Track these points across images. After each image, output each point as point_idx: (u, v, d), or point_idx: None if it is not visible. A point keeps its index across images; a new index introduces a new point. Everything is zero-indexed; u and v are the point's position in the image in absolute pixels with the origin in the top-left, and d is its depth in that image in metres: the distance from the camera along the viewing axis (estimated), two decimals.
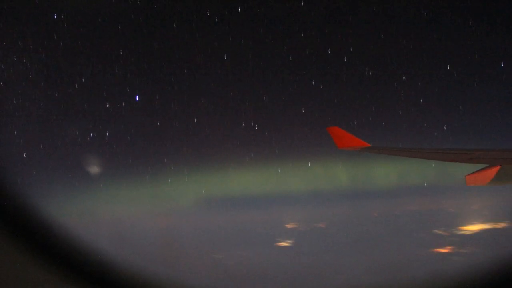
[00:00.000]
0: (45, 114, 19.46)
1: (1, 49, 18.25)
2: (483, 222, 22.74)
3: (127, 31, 20.15)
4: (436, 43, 20.69)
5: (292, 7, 19.82)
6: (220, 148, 22.58)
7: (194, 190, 23.67)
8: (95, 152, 20.47)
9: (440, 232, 22.44)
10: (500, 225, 22.60)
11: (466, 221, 22.91)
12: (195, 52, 21.10)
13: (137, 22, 19.88)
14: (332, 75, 21.69)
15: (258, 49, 21.18)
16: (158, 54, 21.14)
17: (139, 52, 20.92)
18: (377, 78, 20.81)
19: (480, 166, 8.42)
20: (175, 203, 23.55)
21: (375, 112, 21.38)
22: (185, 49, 21.26)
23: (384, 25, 20.20)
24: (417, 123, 21.35)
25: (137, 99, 21.12)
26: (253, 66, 21.45)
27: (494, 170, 8.00)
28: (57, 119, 19.53)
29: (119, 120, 21.58)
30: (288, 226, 23.50)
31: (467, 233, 22.25)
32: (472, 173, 8.36)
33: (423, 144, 21.20)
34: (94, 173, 19.66)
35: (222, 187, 23.72)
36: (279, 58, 21.45)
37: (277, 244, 21.30)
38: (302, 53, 21.30)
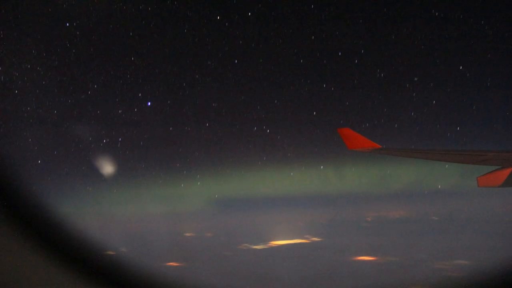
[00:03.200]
0: (58, 120, 19.73)
1: (15, 57, 18.57)
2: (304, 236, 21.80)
3: (138, 37, 20.35)
4: (448, 43, 20.50)
5: (302, 10, 19.84)
6: (232, 152, 22.63)
7: (207, 194, 23.75)
8: (108, 158, 20.66)
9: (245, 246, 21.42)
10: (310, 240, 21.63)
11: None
12: (206, 56, 21.23)
13: (148, 28, 20.07)
14: (343, 77, 21.61)
15: (268, 52, 21.24)
16: (169, 59, 21.32)
17: (150, 58, 21.12)
18: (388, 79, 20.67)
19: (492, 167, 8.32)
20: (188, 207, 23.66)
21: (387, 114, 21.23)
22: (196, 54, 21.42)
23: (395, 26, 20.09)
24: (429, 124, 21.16)
25: (149, 104, 21.28)
26: (264, 70, 21.50)
27: (507, 172, 7.90)
28: (70, 125, 19.78)
29: (131, 126, 21.78)
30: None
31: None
32: (484, 174, 8.26)
33: (435, 146, 21.00)
34: (107, 178, 19.84)
35: (234, 191, 23.77)
36: (290, 61, 21.46)
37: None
38: (313, 55, 21.28)
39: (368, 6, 19.97)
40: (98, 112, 21.29)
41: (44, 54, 19.69)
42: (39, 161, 20.11)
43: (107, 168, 20.13)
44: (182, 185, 23.52)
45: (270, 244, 21.14)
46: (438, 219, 23.45)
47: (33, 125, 19.57)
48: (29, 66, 19.19)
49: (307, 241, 21.65)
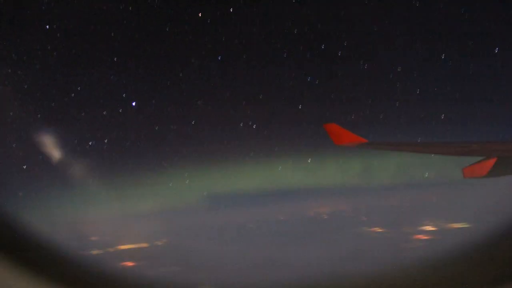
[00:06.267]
0: (42, 125, 19.50)
1: None
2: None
3: (120, 37, 20.13)
4: (430, 33, 20.66)
5: (283, 5, 19.82)
6: (219, 149, 22.60)
7: (195, 192, 23.73)
8: (94, 160, 20.53)
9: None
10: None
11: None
12: (189, 54, 21.07)
13: (129, 28, 19.85)
14: (327, 70, 21.67)
15: (252, 48, 21.14)
16: (152, 58, 21.13)
17: (133, 57, 20.92)
18: (372, 70, 20.79)
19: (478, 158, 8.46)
20: (177, 206, 23.63)
21: (372, 105, 21.35)
22: (179, 52, 21.23)
23: (376, 17, 20.17)
24: (413, 113, 21.34)
25: (134, 104, 21.12)
26: (248, 66, 21.42)
27: (491, 162, 8.03)
28: (55, 129, 19.56)
29: (117, 127, 21.60)
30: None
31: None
32: (470, 165, 8.39)
33: (422, 135, 21.18)
34: (94, 181, 19.71)
35: (223, 187, 23.79)
36: (273, 56, 21.43)
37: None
38: (296, 50, 21.27)
39: None
40: (83, 114, 21.05)
41: (25, 58, 19.38)
42: (25, 166, 19.86)
43: (94, 170, 20.01)
44: (170, 184, 23.42)
45: (110, 249, 20.10)
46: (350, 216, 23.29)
47: (16, 131, 19.32)
48: (9, 71, 18.90)
49: (146, 246, 20.77)
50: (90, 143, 20.76)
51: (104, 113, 21.10)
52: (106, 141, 21.31)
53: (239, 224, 22.81)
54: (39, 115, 19.93)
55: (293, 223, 22.21)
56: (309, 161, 22.41)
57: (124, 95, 20.94)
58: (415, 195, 22.15)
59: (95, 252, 19.62)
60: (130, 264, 18.25)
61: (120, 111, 21.17)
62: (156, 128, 22.08)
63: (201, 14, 19.28)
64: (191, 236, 21.62)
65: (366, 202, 22.60)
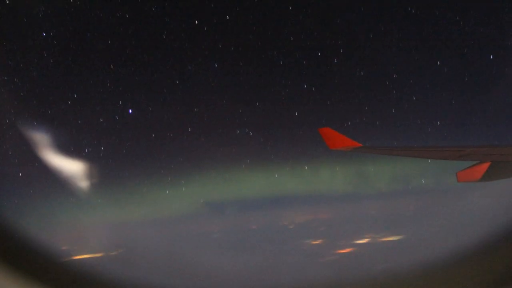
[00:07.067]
0: (38, 132, 19.45)
1: None
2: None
3: (116, 44, 20.18)
4: (425, 39, 20.76)
5: (280, 11, 19.91)
6: (215, 156, 22.57)
7: (192, 199, 23.66)
8: (91, 167, 20.42)
9: None
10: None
11: None
12: (186, 61, 21.12)
13: (126, 35, 19.91)
14: (323, 77, 21.71)
15: (248, 55, 21.20)
16: (149, 65, 21.17)
17: (129, 65, 20.95)
18: (368, 77, 20.85)
19: (472, 162, 8.46)
20: (174, 214, 23.56)
21: (368, 111, 21.38)
22: (175, 59, 21.27)
23: (372, 24, 20.28)
24: (410, 120, 21.37)
25: (130, 112, 21.10)
26: (244, 73, 21.46)
27: (485, 166, 8.03)
28: (51, 136, 19.52)
29: (113, 134, 21.56)
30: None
31: None
32: (463, 169, 8.38)
33: (419, 142, 21.21)
34: (90, 189, 19.64)
35: (220, 195, 23.72)
36: (270, 63, 21.48)
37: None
38: (292, 56, 21.32)
39: (345, 5, 20.12)
40: (79, 122, 21.02)
41: (21, 65, 19.40)
42: (21, 174, 19.78)
43: (90, 178, 19.92)
44: (167, 192, 23.34)
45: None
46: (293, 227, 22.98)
47: (12, 138, 19.27)
48: (6, 78, 18.90)
49: (100, 255, 20.22)
50: (86, 150, 20.76)
51: (101, 120, 21.12)
52: (102, 148, 21.31)
53: (206, 233, 22.65)
54: (35, 122, 19.89)
55: (258, 233, 22.05)
56: (305, 168, 22.41)
57: (120, 102, 20.95)
58: (402, 202, 22.00)
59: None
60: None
61: (117, 118, 21.18)
62: (153, 135, 22.08)
63: (197, 22, 19.37)
64: (178, 243, 21.57)
65: (346, 210, 22.47)
